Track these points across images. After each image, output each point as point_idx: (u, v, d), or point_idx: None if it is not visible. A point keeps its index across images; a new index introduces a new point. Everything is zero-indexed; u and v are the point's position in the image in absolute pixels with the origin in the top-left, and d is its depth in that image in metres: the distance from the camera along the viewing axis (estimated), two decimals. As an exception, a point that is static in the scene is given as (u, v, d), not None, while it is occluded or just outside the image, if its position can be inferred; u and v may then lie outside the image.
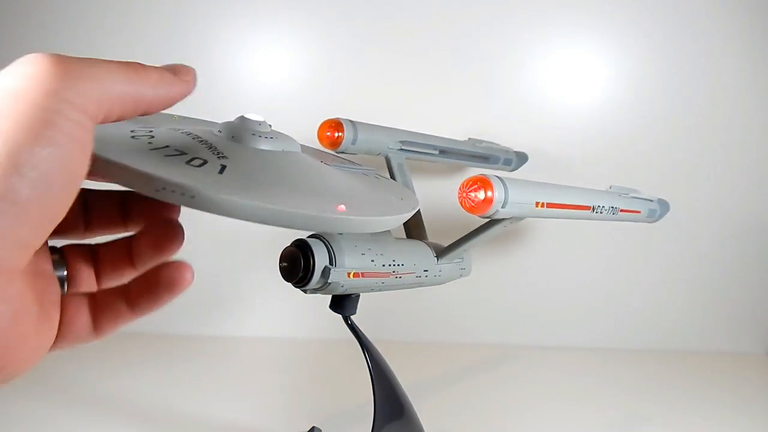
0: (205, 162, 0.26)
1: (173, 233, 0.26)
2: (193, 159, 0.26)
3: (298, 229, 0.25)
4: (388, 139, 0.51)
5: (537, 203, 0.37)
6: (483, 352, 0.79)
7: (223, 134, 0.30)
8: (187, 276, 0.24)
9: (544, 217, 0.40)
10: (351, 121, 0.48)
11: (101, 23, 0.73)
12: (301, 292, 0.39)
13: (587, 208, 0.42)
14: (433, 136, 0.56)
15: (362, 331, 0.42)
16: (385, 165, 0.52)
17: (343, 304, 0.42)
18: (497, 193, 0.35)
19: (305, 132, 0.49)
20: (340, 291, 0.39)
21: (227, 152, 0.27)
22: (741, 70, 0.77)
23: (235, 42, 0.74)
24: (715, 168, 0.79)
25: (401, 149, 0.52)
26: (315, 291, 0.38)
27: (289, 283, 0.38)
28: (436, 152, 0.56)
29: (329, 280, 0.37)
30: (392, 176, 0.51)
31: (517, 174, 0.70)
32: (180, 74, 0.23)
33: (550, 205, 0.38)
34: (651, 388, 0.71)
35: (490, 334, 0.82)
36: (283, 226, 0.24)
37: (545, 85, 0.76)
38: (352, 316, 0.42)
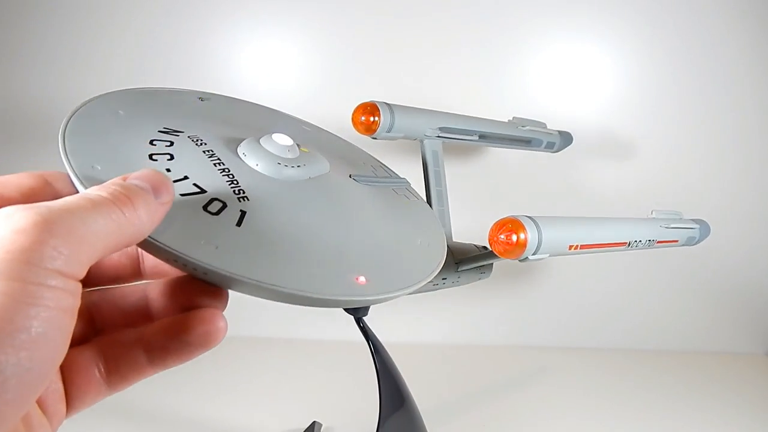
0: (223, 206, 0.24)
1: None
2: (210, 202, 0.24)
3: (314, 307, 0.24)
4: (426, 124, 0.48)
5: (570, 246, 0.35)
6: (488, 354, 0.79)
7: (247, 158, 0.28)
8: (221, 326, 0.21)
9: (578, 255, 0.38)
10: (387, 104, 0.45)
11: (108, 23, 0.69)
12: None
13: (623, 244, 0.40)
14: (474, 118, 0.53)
15: (373, 332, 0.42)
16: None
17: (355, 305, 0.41)
18: (530, 235, 0.33)
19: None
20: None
21: (248, 189, 0.26)
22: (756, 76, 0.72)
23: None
24: (716, 171, 0.76)
25: (438, 136, 0.49)
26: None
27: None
28: (476, 137, 0.53)
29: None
30: (425, 164, 0.49)
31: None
32: (161, 195, 0.20)
33: (584, 247, 0.36)
34: (651, 387, 0.71)
35: (495, 336, 0.82)
36: (301, 304, 0.23)
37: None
38: (363, 317, 0.42)
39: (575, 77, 0.73)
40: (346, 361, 0.71)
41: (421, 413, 0.45)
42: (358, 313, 0.41)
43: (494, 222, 0.33)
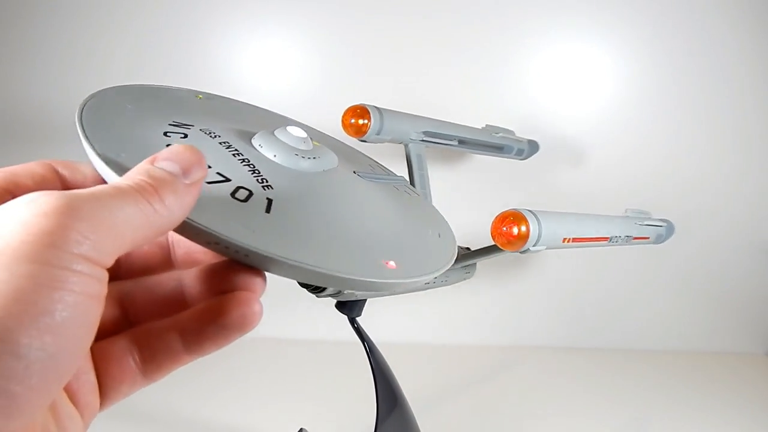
0: (250, 194, 0.24)
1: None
2: (237, 190, 0.24)
3: (348, 289, 0.24)
4: (412, 129, 0.49)
5: (564, 239, 0.37)
6: (488, 354, 0.79)
7: (264, 149, 0.28)
8: (257, 310, 0.21)
9: (567, 248, 0.40)
10: (377, 107, 0.46)
11: (108, 22, 0.69)
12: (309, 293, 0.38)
13: (606, 239, 0.42)
14: (453, 124, 0.55)
15: (366, 332, 0.42)
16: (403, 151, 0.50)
17: (349, 305, 0.41)
18: (532, 227, 0.34)
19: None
20: (352, 297, 0.38)
21: (271, 178, 0.26)
22: (750, 81, 0.75)
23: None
24: (715, 170, 0.78)
25: (423, 140, 0.50)
26: (328, 296, 0.38)
27: (302, 288, 0.37)
28: (456, 143, 0.55)
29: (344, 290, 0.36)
30: (410, 167, 0.50)
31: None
32: (191, 174, 0.19)
33: (575, 240, 0.38)
34: (651, 387, 0.72)
35: (494, 335, 0.82)
36: (336, 286, 0.23)
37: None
38: (357, 318, 0.42)
39: (573, 78, 0.74)
40: (336, 362, 0.70)
41: (416, 414, 0.45)
42: (352, 313, 0.41)
43: (496, 215, 0.34)
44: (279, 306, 0.74)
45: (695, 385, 0.74)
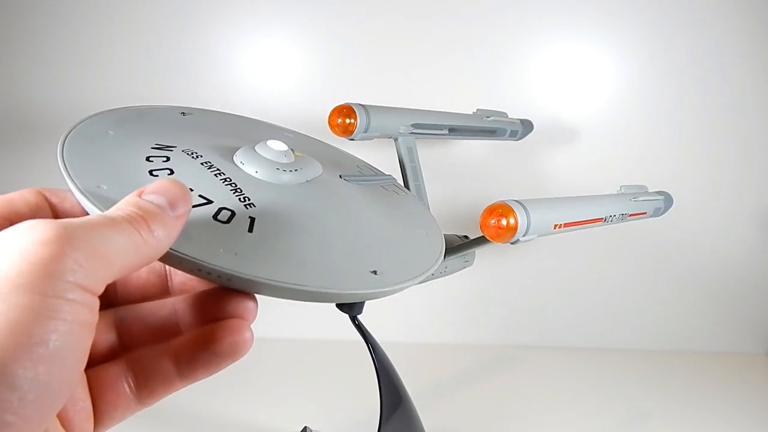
0: (232, 215, 0.25)
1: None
2: (219, 211, 0.25)
3: (335, 302, 0.25)
4: (400, 122, 0.49)
5: (555, 225, 0.37)
6: (484, 353, 0.79)
7: (245, 166, 0.28)
8: (248, 337, 0.22)
9: (560, 233, 0.40)
10: (363, 105, 0.46)
11: (108, 20, 0.69)
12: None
13: (600, 220, 0.42)
14: (443, 113, 0.54)
15: (368, 330, 0.42)
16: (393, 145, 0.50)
17: (349, 304, 0.42)
18: (520, 219, 0.34)
19: (315, 118, 0.47)
20: (350, 297, 0.39)
21: (253, 195, 0.26)
22: (749, 65, 0.74)
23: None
24: (715, 166, 0.77)
25: (412, 132, 0.50)
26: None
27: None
28: (446, 131, 0.55)
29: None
30: (401, 161, 0.50)
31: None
32: (178, 207, 0.20)
33: (567, 225, 0.38)
34: (651, 387, 0.72)
35: (491, 335, 0.82)
36: (322, 301, 0.24)
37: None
38: (358, 316, 0.42)
39: (573, 76, 0.73)
40: (339, 361, 0.71)
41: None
42: (353, 311, 0.42)
43: (484, 208, 0.35)
44: (280, 305, 0.75)
45: (695, 385, 0.73)
